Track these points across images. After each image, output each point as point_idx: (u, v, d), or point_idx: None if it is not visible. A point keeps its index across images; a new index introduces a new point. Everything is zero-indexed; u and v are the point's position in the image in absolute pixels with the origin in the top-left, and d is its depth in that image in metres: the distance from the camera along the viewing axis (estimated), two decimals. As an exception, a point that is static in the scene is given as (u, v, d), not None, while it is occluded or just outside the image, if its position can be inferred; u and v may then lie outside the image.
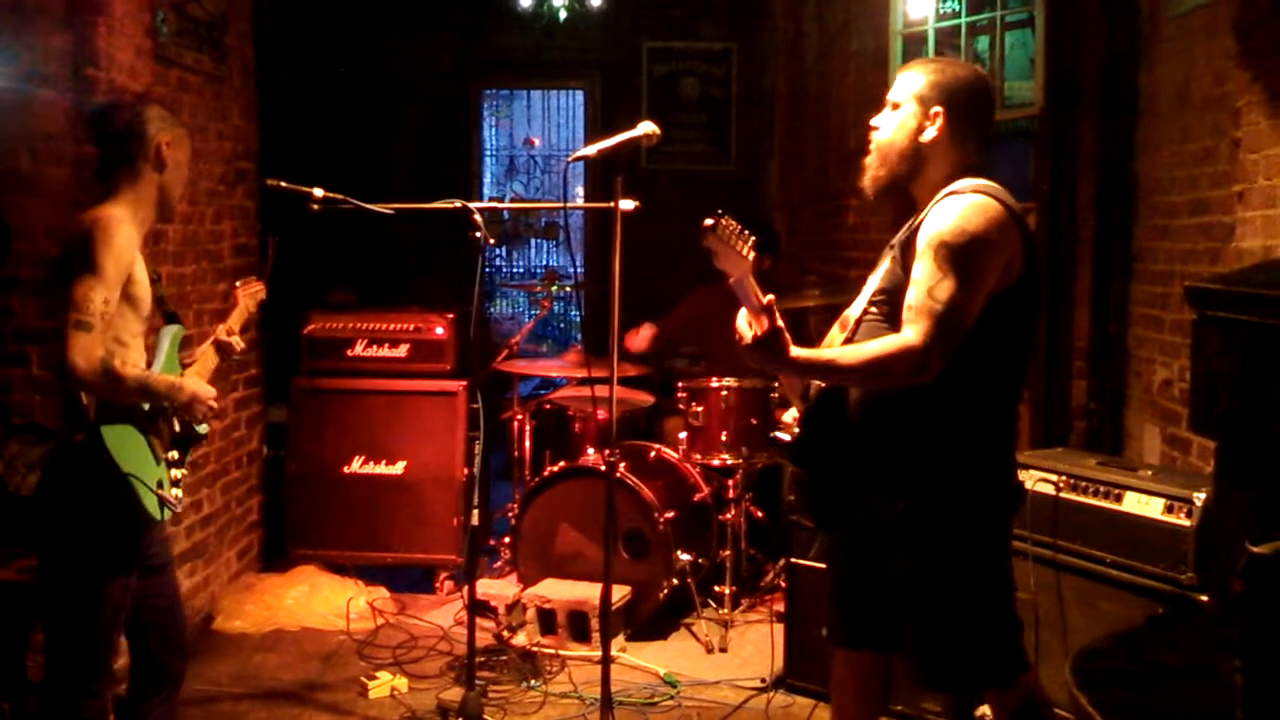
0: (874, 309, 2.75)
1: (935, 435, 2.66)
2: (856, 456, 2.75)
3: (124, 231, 2.87)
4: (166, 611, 3.15)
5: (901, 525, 2.71)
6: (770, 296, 2.56)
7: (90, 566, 2.91)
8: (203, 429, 3.20)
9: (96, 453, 2.84)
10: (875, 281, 2.79)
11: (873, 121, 2.83)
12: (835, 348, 2.71)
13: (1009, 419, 2.80)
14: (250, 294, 3.45)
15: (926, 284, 2.56)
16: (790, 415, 2.93)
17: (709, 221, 2.53)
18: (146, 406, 2.98)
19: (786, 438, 2.83)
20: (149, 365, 3.03)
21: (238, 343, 3.35)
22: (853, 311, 2.82)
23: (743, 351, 2.66)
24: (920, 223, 2.66)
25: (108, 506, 2.90)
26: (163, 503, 2.98)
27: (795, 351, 2.58)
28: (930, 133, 2.73)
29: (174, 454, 3.08)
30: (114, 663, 3.06)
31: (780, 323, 2.56)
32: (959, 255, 2.55)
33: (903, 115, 2.76)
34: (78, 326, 2.77)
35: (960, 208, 2.61)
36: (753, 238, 2.59)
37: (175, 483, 3.06)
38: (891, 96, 2.80)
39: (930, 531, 2.69)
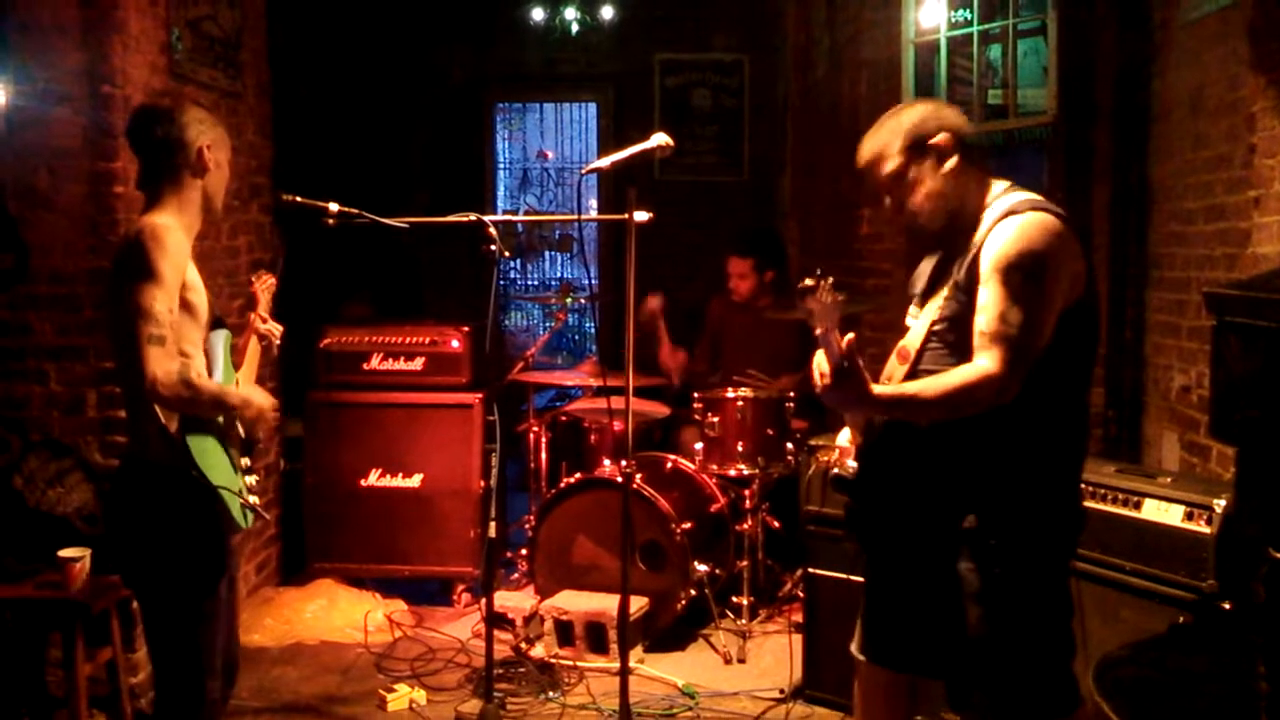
0: (935, 339, 2.74)
1: (1007, 452, 2.65)
2: (922, 479, 2.73)
3: (174, 237, 2.81)
4: (224, 623, 3.10)
5: (970, 542, 2.69)
6: (850, 336, 2.56)
7: (189, 585, 2.88)
8: (258, 433, 3.16)
9: (185, 467, 2.80)
10: (931, 311, 2.76)
11: (888, 203, 2.82)
12: (914, 382, 2.67)
13: (1080, 435, 2.78)
14: (265, 287, 3.40)
15: (997, 308, 2.55)
16: (844, 439, 2.93)
17: (808, 282, 2.57)
18: (221, 420, 2.95)
19: (848, 475, 2.84)
20: (209, 374, 2.95)
21: (275, 328, 3.31)
22: (911, 342, 2.79)
23: (822, 393, 2.67)
24: (980, 248, 2.63)
25: (200, 522, 2.86)
26: (245, 510, 2.96)
27: (876, 390, 2.60)
28: (950, 161, 2.73)
29: (245, 460, 3.06)
30: (218, 675, 3.01)
31: (860, 363, 2.56)
32: (1027, 277, 2.55)
33: (911, 171, 2.75)
34: (151, 340, 2.69)
35: (1022, 228, 2.59)
36: (843, 293, 2.61)
37: (251, 489, 3.04)
38: (885, 173, 2.77)
39: (1000, 547, 2.66)
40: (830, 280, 2.57)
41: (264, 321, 3.30)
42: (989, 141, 4.97)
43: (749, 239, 6.10)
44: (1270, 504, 1.83)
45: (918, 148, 2.74)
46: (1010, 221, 2.62)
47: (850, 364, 2.55)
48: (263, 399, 3.03)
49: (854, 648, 2.99)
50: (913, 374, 2.74)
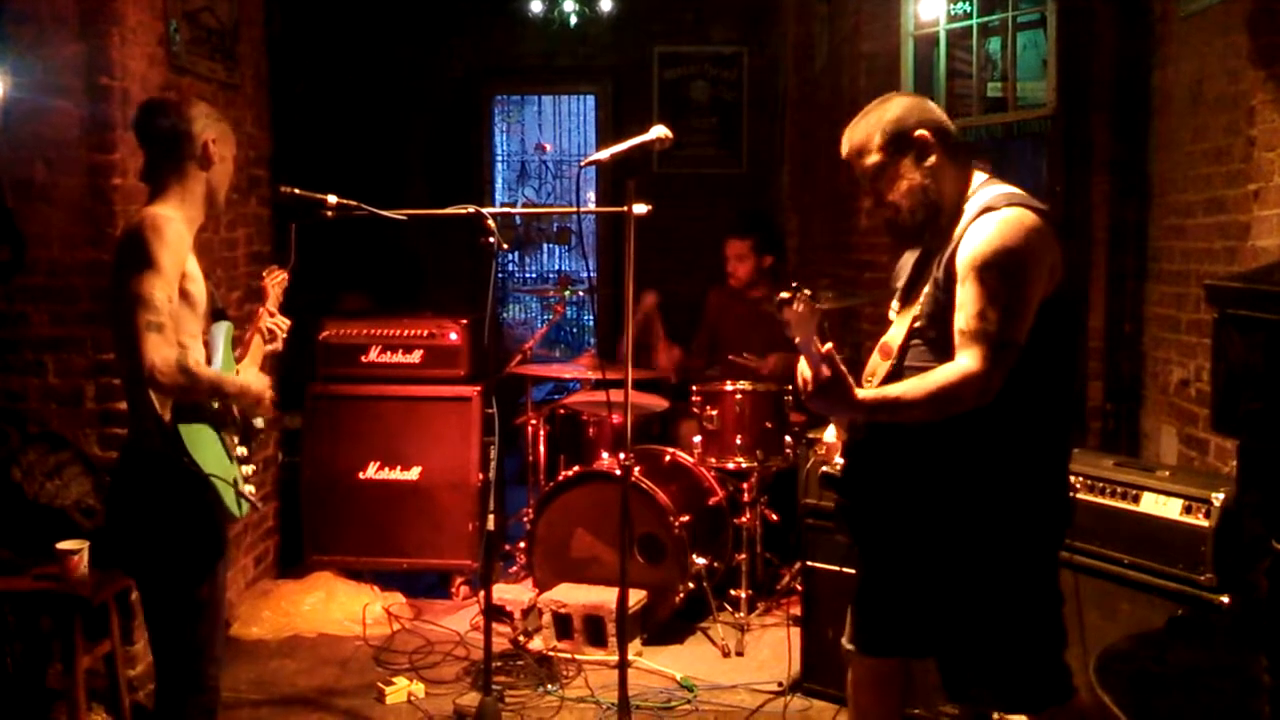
0: (917, 336, 2.74)
1: (992, 445, 2.65)
2: (908, 474, 2.73)
3: (175, 228, 2.83)
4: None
5: (957, 533, 2.70)
6: (829, 345, 2.56)
7: (185, 573, 2.90)
8: (259, 422, 3.15)
9: (177, 455, 2.80)
10: (913, 308, 2.76)
11: (867, 196, 2.83)
12: (897, 385, 2.67)
13: (1064, 425, 2.78)
14: (276, 282, 3.42)
15: (975, 307, 2.55)
16: (830, 435, 2.93)
17: (784, 295, 2.56)
18: (216, 404, 2.95)
19: (835, 472, 2.84)
20: (208, 364, 2.95)
21: (282, 323, 3.31)
22: (894, 339, 2.80)
23: (807, 398, 2.66)
24: (957, 245, 2.64)
25: (194, 511, 2.87)
26: (240, 499, 2.96)
27: (860, 394, 2.60)
28: (930, 157, 2.73)
29: (243, 450, 3.06)
30: (217, 662, 3.04)
31: (842, 368, 2.56)
32: (1004, 274, 2.55)
33: (890, 165, 2.74)
34: (149, 327, 2.71)
35: (998, 226, 2.59)
36: (821, 302, 2.62)
37: (247, 479, 3.03)
38: (865, 166, 2.77)
39: (987, 539, 2.67)
40: (807, 293, 2.57)
41: (270, 316, 3.30)
42: (988, 134, 4.97)
43: (747, 219, 6.09)
44: (1273, 496, 1.83)
45: (898, 143, 2.74)
46: (987, 219, 2.61)
47: (832, 370, 2.55)
48: (260, 385, 3.03)
49: (844, 640, 3.01)
50: (896, 371, 2.75)
